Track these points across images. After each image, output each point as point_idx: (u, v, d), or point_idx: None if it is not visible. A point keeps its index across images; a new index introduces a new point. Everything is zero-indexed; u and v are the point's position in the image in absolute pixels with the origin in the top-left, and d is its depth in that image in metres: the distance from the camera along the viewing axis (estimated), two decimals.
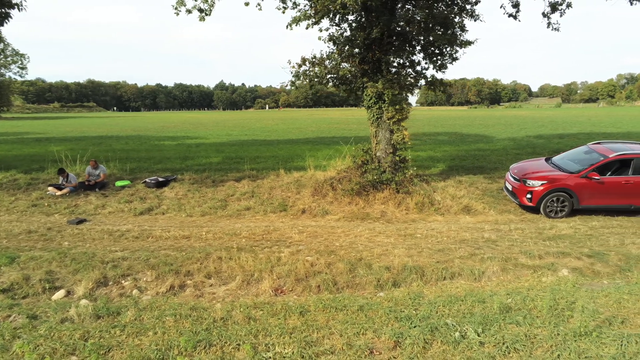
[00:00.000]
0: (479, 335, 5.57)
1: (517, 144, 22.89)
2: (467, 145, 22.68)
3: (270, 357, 5.23)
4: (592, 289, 7.11)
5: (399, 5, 11.72)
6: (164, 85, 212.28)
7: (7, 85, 79.00)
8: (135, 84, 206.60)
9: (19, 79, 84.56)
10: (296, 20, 10.64)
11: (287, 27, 10.80)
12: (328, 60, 12.41)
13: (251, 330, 5.90)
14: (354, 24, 11.57)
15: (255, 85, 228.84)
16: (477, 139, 25.97)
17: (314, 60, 12.38)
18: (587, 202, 11.04)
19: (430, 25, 11.33)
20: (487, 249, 8.81)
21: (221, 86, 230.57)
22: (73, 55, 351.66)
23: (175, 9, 10.68)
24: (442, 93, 13.13)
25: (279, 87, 12.82)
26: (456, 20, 11.58)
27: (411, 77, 12.33)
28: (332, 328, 5.96)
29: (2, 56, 74.61)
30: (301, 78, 12.20)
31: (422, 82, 12.83)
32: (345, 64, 12.34)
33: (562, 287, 7.21)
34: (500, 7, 12.04)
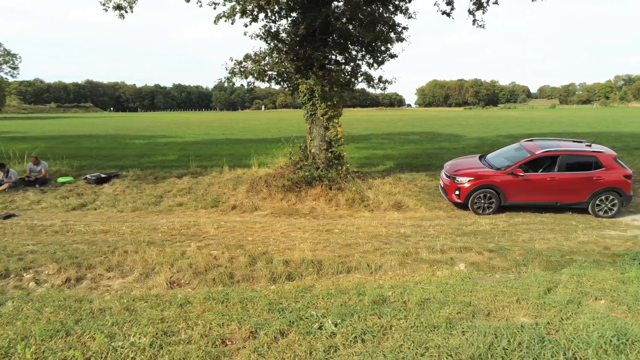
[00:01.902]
0: (335, 326, 5.59)
1: (482, 142, 22.92)
2: (431, 144, 22.72)
3: (120, 346, 5.25)
4: (477, 283, 7.15)
5: (336, 4, 11.78)
6: (162, 85, 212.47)
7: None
8: (134, 84, 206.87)
9: (10, 79, 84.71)
10: (226, 16, 10.69)
11: (214, 22, 10.85)
12: (268, 57, 12.48)
13: (119, 320, 5.92)
14: (283, 20, 11.64)
15: (255, 86, 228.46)
16: (446, 138, 26.01)
17: (254, 57, 12.44)
18: (514, 199, 11.08)
19: (360, 23, 11.39)
20: (395, 244, 8.85)
21: (220, 87, 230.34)
22: (72, 56, 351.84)
23: (103, 5, 10.75)
24: (382, 90, 13.18)
25: (214, 84, 12.82)
26: (386, 16, 11.62)
27: (346, 74, 12.38)
28: (201, 319, 5.99)
29: None
30: (237, 75, 12.22)
31: (362, 78, 12.89)
32: (285, 62, 12.41)
33: (449, 281, 7.25)
34: (434, 5, 12.09)
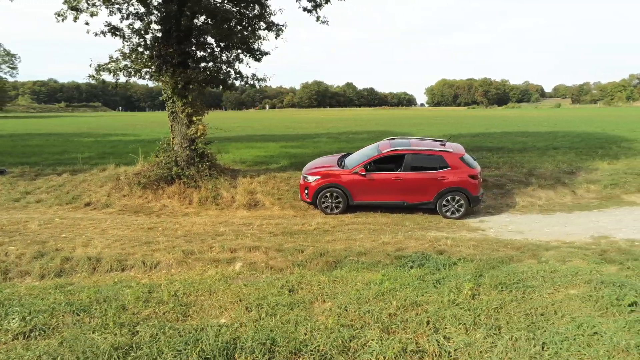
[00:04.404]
0: (21, 322, 5.59)
1: None
2: (361, 142, 22.39)
3: None
4: (231, 283, 7.05)
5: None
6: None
7: None
8: (146, 84, 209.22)
9: (9, 79, 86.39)
10: (60, 14, 10.71)
11: (57, 20, 10.86)
12: (142, 54, 12.46)
13: None
14: (138, 17, 11.61)
15: (265, 86, 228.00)
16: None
17: (129, 54, 12.44)
18: (360, 199, 10.89)
19: (213, 20, 11.33)
20: (196, 242, 8.80)
21: (230, 86, 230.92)
22: (87, 56, 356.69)
23: None
24: (252, 87, 13.10)
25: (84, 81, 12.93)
26: (235, 11, 11.54)
27: (210, 71, 12.34)
28: None
29: None
30: (104, 72, 12.24)
31: (235, 76, 12.86)
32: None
33: (208, 280, 7.17)
34: (297, 1, 11.93)
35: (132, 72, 12.40)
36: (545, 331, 5.17)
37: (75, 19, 10.78)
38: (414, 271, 7.18)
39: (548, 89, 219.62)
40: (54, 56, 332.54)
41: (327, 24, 11.65)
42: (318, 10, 11.48)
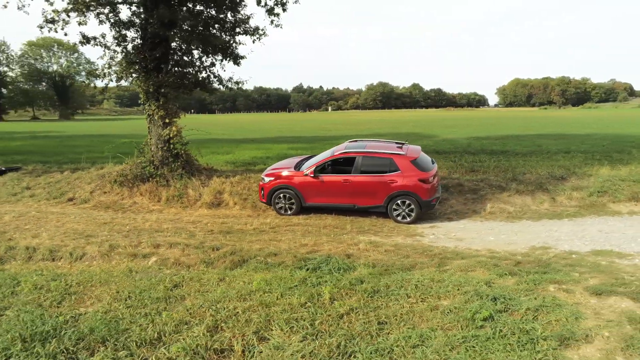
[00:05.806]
0: None
1: (436, 144, 21.88)
2: None
3: None
4: (133, 276, 7.43)
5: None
6: (244, 88, 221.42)
7: (80, 89, 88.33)
8: (219, 87, 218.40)
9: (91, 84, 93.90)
10: (41, 26, 11.72)
11: (40, 31, 11.92)
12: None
13: None
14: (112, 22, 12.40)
15: (333, 88, 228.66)
16: (410, 140, 25.06)
17: (120, 60, 13.36)
18: (312, 200, 10.87)
19: (179, 28, 11.86)
20: (131, 237, 9.27)
21: (298, 89, 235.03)
22: None
23: None
24: (228, 90, 13.49)
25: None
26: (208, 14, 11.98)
27: (187, 75, 12.90)
28: None
29: (75, 64, 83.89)
30: (91, 77, 13.22)
31: (213, 79, 13.35)
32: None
33: (112, 272, 7.60)
34: (263, 6, 12.17)
35: (122, 77, 13.24)
36: (369, 339, 5.01)
37: (56, 30, 11.80)
38: (302, 274, 7.11)
39: (638, 87, 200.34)
40: None
41: (280, 27, 11.83)
42: (275, 11, 11.68)
